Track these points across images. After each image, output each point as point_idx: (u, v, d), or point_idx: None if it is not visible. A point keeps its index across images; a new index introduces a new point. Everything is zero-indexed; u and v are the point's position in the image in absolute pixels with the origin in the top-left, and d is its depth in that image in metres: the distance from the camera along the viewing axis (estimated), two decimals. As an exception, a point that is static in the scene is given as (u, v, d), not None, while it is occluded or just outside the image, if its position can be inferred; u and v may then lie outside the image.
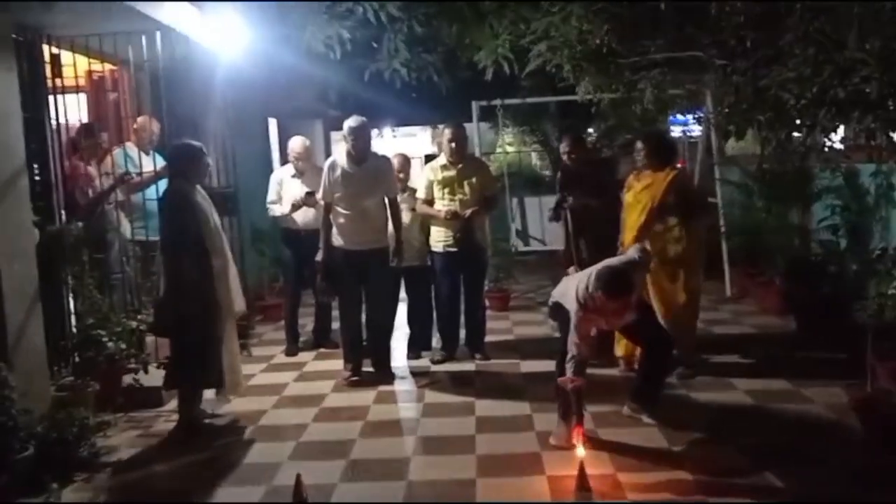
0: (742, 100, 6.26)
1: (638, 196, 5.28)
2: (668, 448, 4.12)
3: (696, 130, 9.26)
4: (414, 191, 6.09)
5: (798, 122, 6.05)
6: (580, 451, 3.65)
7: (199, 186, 4.72)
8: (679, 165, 5.65)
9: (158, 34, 5.32)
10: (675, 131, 10.28)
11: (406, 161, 6.24)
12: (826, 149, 6.56)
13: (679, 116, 9.58)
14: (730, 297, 7.82)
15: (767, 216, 7.56)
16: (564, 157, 6.05)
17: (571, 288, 4.16)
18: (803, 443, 4.15)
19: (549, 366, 4.65)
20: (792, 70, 5.44)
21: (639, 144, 5.39)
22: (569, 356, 4.01)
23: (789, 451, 4.05)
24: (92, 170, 5.65)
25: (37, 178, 4.91)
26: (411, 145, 16.15)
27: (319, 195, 5.67)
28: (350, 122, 5.45)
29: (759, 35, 5.87)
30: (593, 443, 4.06)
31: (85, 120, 6.26)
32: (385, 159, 5.70)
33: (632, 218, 5.28)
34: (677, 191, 5.18)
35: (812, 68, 5.19)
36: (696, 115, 9.03)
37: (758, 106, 6.12)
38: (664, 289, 5.19)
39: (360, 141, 5.44)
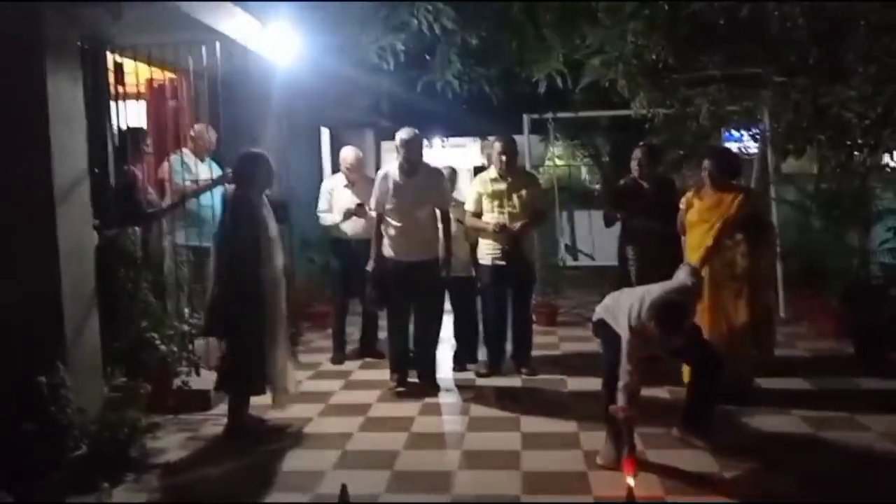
0: (801, 118, 6.14)
1: (704, 215, 5.13)
2: (720, 473, 4.02)
3: (753, 148, 9.07)
4: (461, 203, 6.09)
5: (860, 141, 5.90)
6: (630, 481, 3.57)
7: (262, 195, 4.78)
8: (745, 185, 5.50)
9: (218, 44, 5.43)
10: (731, 148, 10.10)
11: (453, 173, 6.24)
12: (888, 168, 6.40)
13: (734, 133, 9.42)
14: (784, 320, 7.64)
15: (825, 237, 7.38)
16: (634, 167, 5.85)
17: (621, 310, 4.08)
18: (860, 472, 4.02)
19: (596, 383, 4.58)
20: (854, 88, 5.32)
21: (705, 162, 5.24)
22: (620, 384, 3.94)
23: (845, 481, 3.92)
24: (139, 174, 5.75)
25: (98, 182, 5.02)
26: (460, 156, 16.20)
27: (371, 205, 5.70)
28: (402, 134, 5.47)
29: (821, 52, 5.74)
30: (642, 465, 3.98)
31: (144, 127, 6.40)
32: (437, 171, 5.71)
33: (694, 237, 5.15)
34: (748, 211, 5.06)
35: (875, 87, 5.07)
36: (753, 133, 8.87)
37: (818, 124, 5.99)
38: (722, 309, 5.06)
39: (412, 153, 5.46)
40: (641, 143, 6.09)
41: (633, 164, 5.87)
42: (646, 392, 4.16)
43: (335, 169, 7.82)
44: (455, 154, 16.02)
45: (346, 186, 6.45)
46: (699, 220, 5.17)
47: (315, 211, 6.57)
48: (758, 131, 8.52)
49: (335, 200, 6.43)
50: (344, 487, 3.43)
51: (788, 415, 4.89)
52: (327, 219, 6.46)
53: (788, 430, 4.66)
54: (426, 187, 5.51)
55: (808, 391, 5.43)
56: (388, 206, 5.51)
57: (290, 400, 4.97)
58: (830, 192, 7.51)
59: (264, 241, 4.65)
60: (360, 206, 6.13)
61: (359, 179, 6.45)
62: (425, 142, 5.76)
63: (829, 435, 4.54)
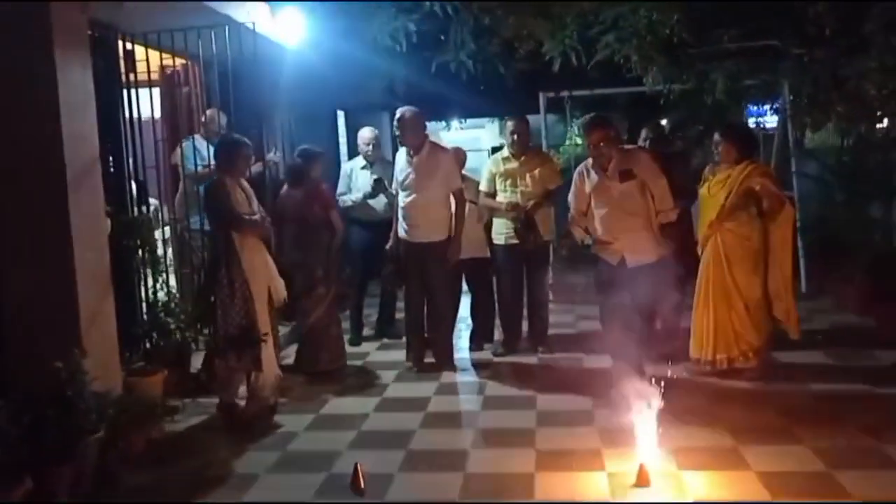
0: (821, 90, 6.03)
1: (712, 191, 5.10)
2: (735, 447, 3.99)
3: (772, 122, 8.93)
4: (475, 183, 6.06)
5: (880, 113, 5.80)
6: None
7: (241, 180, 4.77)
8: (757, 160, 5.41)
9: (227, 29, 5.42)
10: (750, 123, 9.96)
11: (459, 152, 6.22)
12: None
13: (754, 107, 9.29)
14: (805, 294, 7.54)
15: (847, 210, 7.27)
16: (644, 145, 5.89)
17: None
18: (879, 446, 3.96)
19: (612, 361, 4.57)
20: (874, 59, 5.22)
21: (717, 137, 5.18)
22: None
23: (864, 454, 3.88)
24: (325, 188, 5.84)
25: (111, 169, 5.06)
26: (479, 137, 16.13)
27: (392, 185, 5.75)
28: (396, 113, 5.48)
29: (840, 23, 5.62)
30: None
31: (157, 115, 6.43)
32: (442, 150, 5.70)
33: (705, 214, 5.13)
34: (755, 186, 4.98)
35: (896, 58, 4.96)
36: (773, 106, 8.73)
37: (837, 97, 5.89)
38: (736, 284, 5.02)
39: (404, 131, 5.48)
40: (656, 122, 6.09)
41: (643, 143, 5.88)
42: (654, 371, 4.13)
43: (352, 152, 7.83)
44: (473, 135, 15.96)
45: (364, 167, 6.47)
46: (708, 196, 5.13)
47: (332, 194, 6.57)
48: (777, 105, 8.39)
49: (354, 181, 6.46)
50: (356, 466, 3.45)
51: (807, 389, 4.85)
52: (347, 200, 6.48)
53: (807, 404, 4.62)
54: (430, 167, 5.48)
55: (828, 365, 5.38)
56: (399, 186, 5.54)
57: (269, 386, 4.81)
58: (852, 165, 7.38)
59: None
60: (377, 181, 6.16)
61: (377, 159, 6.49)
62: (442, 123, 5.75)
63: (849, 408, 4.50)
